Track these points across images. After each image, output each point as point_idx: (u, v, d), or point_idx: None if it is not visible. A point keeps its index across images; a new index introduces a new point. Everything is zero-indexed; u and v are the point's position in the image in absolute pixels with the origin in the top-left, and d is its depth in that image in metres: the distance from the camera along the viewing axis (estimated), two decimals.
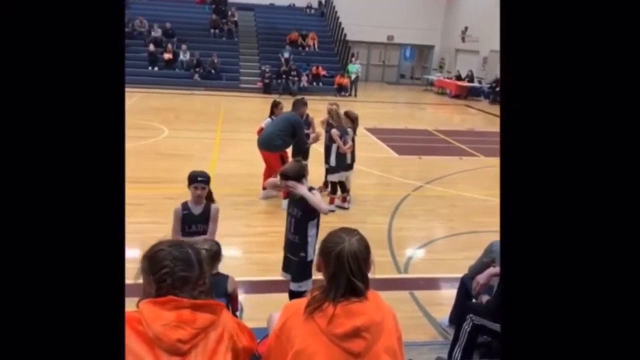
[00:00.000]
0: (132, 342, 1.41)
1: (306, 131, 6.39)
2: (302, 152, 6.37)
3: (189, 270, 1.54)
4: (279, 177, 3.42)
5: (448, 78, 20.76)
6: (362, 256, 1.63)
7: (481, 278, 3.06)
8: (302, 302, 1.65)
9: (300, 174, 3.30)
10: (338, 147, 5.89)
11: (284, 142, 5.98)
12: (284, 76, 17.24)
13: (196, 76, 16.97)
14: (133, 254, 5.28)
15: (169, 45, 17.45)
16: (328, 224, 5.65)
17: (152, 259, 1.56)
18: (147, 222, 5.26)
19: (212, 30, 19.21)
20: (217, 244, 2.96)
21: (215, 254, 2.89)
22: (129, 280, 3.10)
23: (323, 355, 1.52)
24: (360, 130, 7.02)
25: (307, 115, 6.58)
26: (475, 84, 19.41)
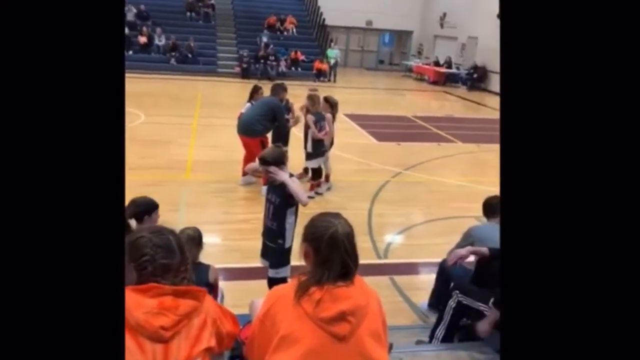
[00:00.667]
0: None
1: (286, 116, 6.35)
2: (282, 137, 6.33)
3: (170, 257, 1.53)
4: (258, 162, 3.38)
5: (426, 64, 20.84)
6: (353, 238, 1.65)
7: (462, 251, 3.07)
8: (287, 287, 1.65)
9: (280, 160, 3.27)
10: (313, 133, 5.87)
11: (264, 127, 5.92)
12: (262, 61, 17.04)
13: (172, 60, 16.63)
14: None
15: (144, 29, 17.03)
16: (307, 210, 5.65)
17: (133, 246, 1.53)
18: None
19: (188, 14, 18.79)
20: (198, 230, 2.93)
21: (199, 239, 2.85)
22: None
23: (309, 340, 1.52)
24: (340, 116, 7.01)
25: (287, 101, 6.53)
26: (454, 71, 19.53)
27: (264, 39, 17.85)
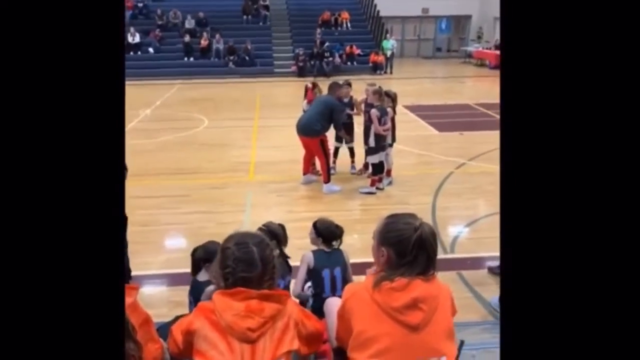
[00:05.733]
0: (207, 330, 1.53)
1: (350, 112, 6.36)
2: (344, 135, 6.32)
3: (249, 270, 1.60)
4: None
5: (487, 48, 20.05)
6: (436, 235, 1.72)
7: None
8: (360, 284, 1.72)
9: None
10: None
11: (322, 126, 5.95)
12: (317, 58, 17.14)
13: (231, 64, 17.11)
14: (182, 243, 5.44)
15: (204, 34, 17.65)
16: (370, 206, 5.64)
17: (221, 255, 1.65)
18: (193, 212, 5.40)
19: (244, 17, 19.26)
20: (277, 227, 2.96)
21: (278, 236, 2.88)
22: (181, 269, 3.15)
23: (383, 337, 1.57)
24: (398, 107, 6.91)
25: (351, 97, 6.51)
26: None
27: (319, 36, 17.93)
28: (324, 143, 5.95)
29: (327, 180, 6.01)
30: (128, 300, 1.61)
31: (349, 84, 6.47)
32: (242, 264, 1.60)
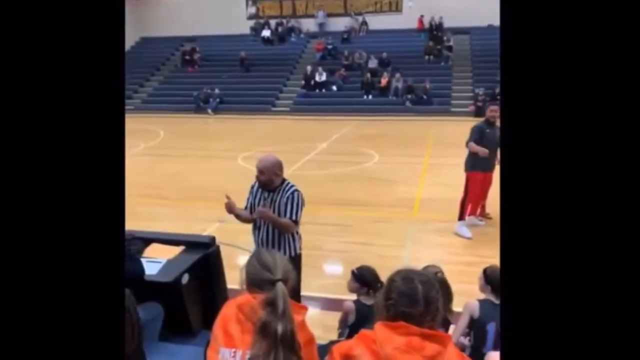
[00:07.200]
0: (366, 358, 1.54)
1: None
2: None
3: (411, 307, 1.58)
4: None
5: None
6: None
7: None
8: None
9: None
10: None
11: (469, 161, 5.74)
12: (498, 98, 16.37)
13: (408, 102, 17.37)
14: (340, 271, 5.60)
15: (385, 74, 18.33)
16: None
17: (387, 286, 1.66)
18: (354, 242, 5.55)
19: (426, 57, 19.49)
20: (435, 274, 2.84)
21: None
22: (336, 295, 3.25)
23: None
24: None
25: None
26: None
27: None
28: (468, 179, 5.71)
29: (461, 217, 5.72)
30: (298, 318, 1.71)
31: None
32: (404, 298, 1.59)
